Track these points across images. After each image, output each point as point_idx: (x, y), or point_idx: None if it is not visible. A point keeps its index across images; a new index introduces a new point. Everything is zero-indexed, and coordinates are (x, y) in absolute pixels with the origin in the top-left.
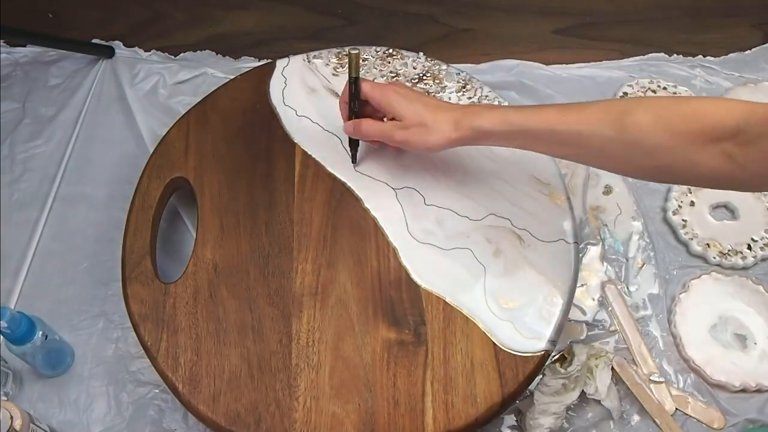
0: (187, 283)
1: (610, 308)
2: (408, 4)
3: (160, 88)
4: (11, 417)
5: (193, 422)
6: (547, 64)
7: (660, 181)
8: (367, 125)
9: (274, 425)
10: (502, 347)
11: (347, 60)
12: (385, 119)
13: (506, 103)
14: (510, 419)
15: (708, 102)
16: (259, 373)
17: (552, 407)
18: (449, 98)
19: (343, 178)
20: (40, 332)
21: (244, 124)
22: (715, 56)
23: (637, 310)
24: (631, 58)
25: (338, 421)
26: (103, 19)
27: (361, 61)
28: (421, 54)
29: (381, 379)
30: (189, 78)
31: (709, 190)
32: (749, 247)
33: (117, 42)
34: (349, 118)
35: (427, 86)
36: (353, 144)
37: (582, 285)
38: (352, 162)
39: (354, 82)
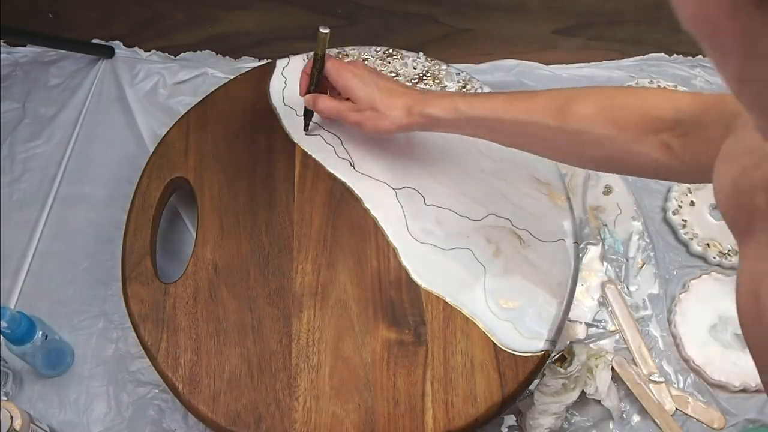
0: (187, 283)
1: (610, 308)
2: (408, 4)
3: (160, 88)
4: (11, 417)
5: (193, 422)
6: (547, 64)
7: (604, 171)
8: (324, 102)
9: (274, 425)
10: (502, 347)
11: (317, 38)
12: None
13: None
14: (510, 419)
15: (651, 93)
16: (259, 373)
17: (552, 407)
18: None
19: (343, 178)
20: (40, 332)
21: (244, 124)
22: None
23: (637, 310)
24: (631, 58)
25: (338, 421)
26: (103, 19)
27: (327, 41)
28: (421, 54)
29: (381, 379)
30: (189, 78)
31: (710, 190)
32: None
33: (117, 42)
34: (308, 91)
35: (428, 86)
36: (307, 114)
37: (582, 285)
38: (304, 130)
39: (320, 59)
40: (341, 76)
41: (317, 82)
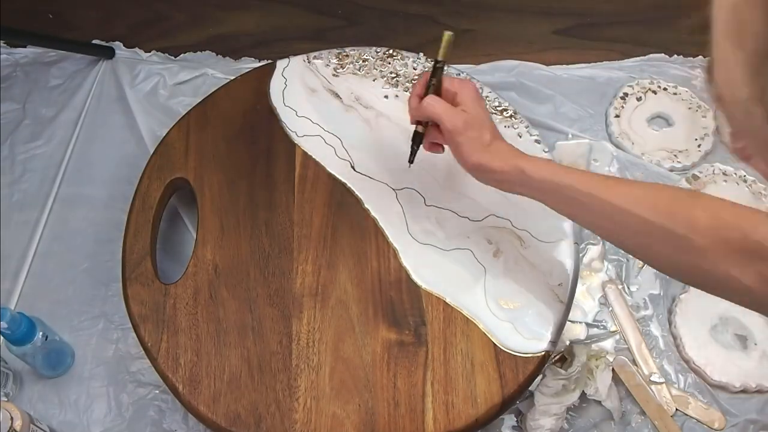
0: (187, 283)
1: (610, 308)
2: (408, 5)
3: (160, 88)
4: (11, 417)
5: (194, 423)
6: (547, 64)
7: (689, 284)
8: (433, 100)
9: (275, 426)
10: (502, 348)
11: (442, 42)
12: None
13: (507, 104)
14: (510, 420)
15: (755, 214)
16: (260, 373)
17: (552, 408)
18: None
19: (343, 179)
20: (41, 333)
21: (244, 125)
22: None
23: (637, 310)
24: (632, 59)
25: (338, 421)
26: (104, 20)
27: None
28: (422, 54)
29: (381, 379)
30: (189, 79)
31: (711, 190)
32: None
33: (117, 43)
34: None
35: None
36: (416, 140)
37: (582, 285)
38: (409, 162)
39: (441, 66)
40: (463, 89)
41: (429, 92)
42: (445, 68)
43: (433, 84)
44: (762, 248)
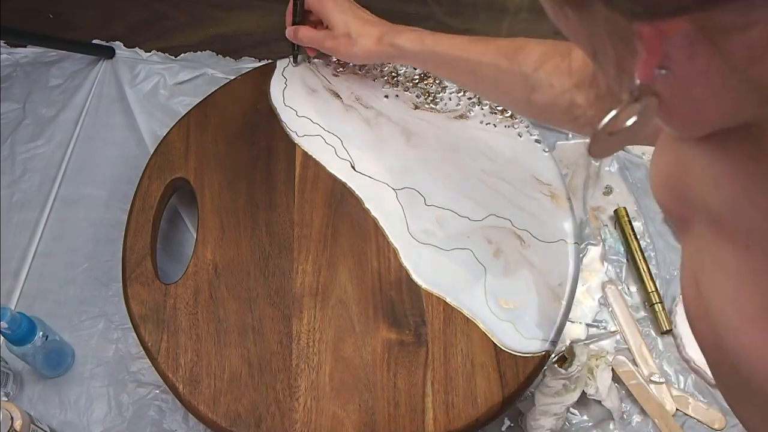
0: (187, 283)
1: (610, 309)
2: (408, 5)
3: (160, 88)
4: (11, 417)
5: (194, 423)
6: None
7: (546, 121)
8: (304, 32)
9: (275, 426)
10: (502, 348)
11: None
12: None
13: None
14: (510, 420)
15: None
16: (260, 373)
17: (553, 408)
18: (449, 98)
19: (343, 179)
20: (41, 333)
21: (244, 125)
22: None
23: (637, 310)
24: None
25: (339, 421)
26: (104, 20)
27: None
28: None
29: (381, 379)
30: (189, 78)
31: None
32: None
33: (117, 42)
34: (293, 24)
35: (428, 86)
36: (294, 46)
37: (582, 285)
38: (292, 62)
39: None
40: (322, 4)
41: (300, 15)
42: None
43: (298, 6)
44: (583, 74)
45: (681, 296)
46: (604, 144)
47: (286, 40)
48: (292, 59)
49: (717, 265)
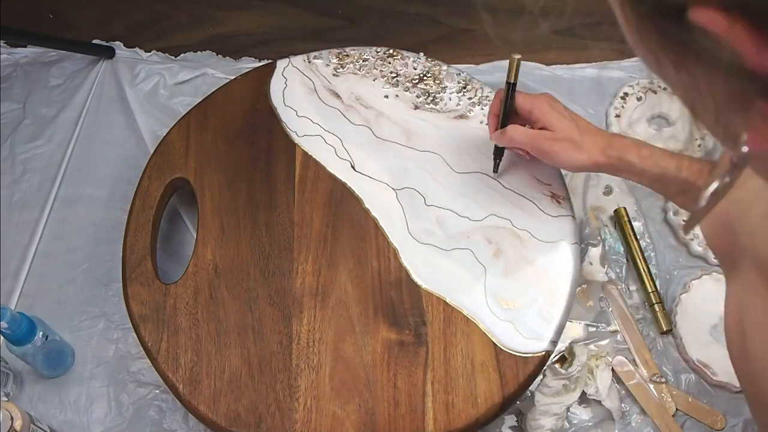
0: (187, 283)
1: (610, 309)
2: (408, 5)
3: (160, 88)
4: (11, 417)
5: (194, 423)
6: (548, 64)
7: None
8: (514, 131)
9: (275, 426)
10: (502, 348)
11: (509, 65)
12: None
13: None
14: (510, 420)
15: None
16: (260, 373)
17: (553, 408)
18: (449, 98)
19: (343, 179)
20: (41, 333)
21: (244, 125)
22: None
23: (637, 310)
24: (632, 59)
25: (339, 421)
26: (104, 20)
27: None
28: (422, 54)
29: (381, 379)
30: (189, 78)
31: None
32: None
33: (117, 42)
34: (496, 128)
35: (428, 86)
36: (498, 153)
37: (582, 285)
38: (494, 171)
39: (512, 88)
40: (536, 106)
41: (509, 118)
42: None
43: (507, 106)
44: None
45: (725, 336)
46: (701, 216)
47: (286, 40)
48: (494, 167)
49: (762, 311)
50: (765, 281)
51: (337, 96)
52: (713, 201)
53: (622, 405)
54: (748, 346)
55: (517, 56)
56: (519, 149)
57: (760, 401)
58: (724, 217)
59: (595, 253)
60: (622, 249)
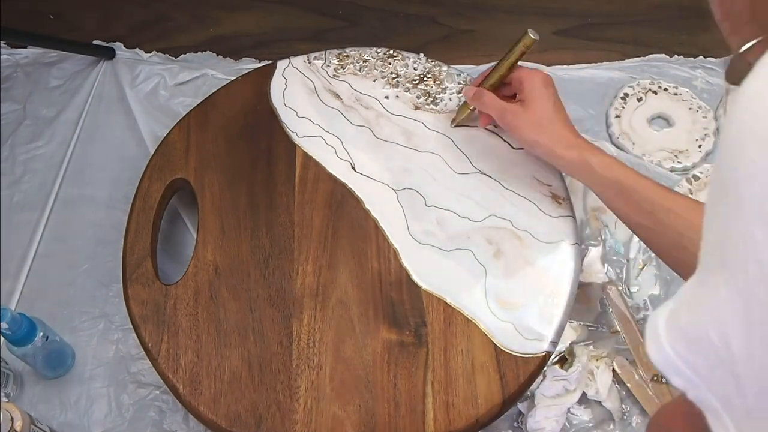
0: (187, 284)
1: (610, 309)
2: (409, 6)
3: (160, 89)
4: (12, 418)
5: (194, 423)
6: (548, 65)
7: None
8: (491, 99)
9: (275, 426)
10: (502, 348)
11: (518, 40)
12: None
13: None
14: (511, 420)
15: None
16: (260, 374)
17: (553, 409)
18: (450, 99)
19: (343, 180)
20: (41, 333)
21: (244, 126)
22: (716, 57)
23: (638, 311)
24: (632, 59)
25: (339, 422)
26: (104, 21)
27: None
28: (422, 55)
29: (381, 380)
30: (190, 79)
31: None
32: None
33: (118, 43)
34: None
35: (428, 87)
36: (464, 109)
37: (583, 286)
38: (451, 124)
39: (512, 64)
40: (528, 79)
41: (498, 82)
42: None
43: (497, 77)
44: None
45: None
46: (741, 71)
47: (286, 40)
48: (453, 120)
49: None
50: None
51: (338, 97)
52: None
53: (623, 406)
54: None
55: (535, 37)
56: (487, 119)
57: None
58: None
59: (595, 253)
60: (622, 249)
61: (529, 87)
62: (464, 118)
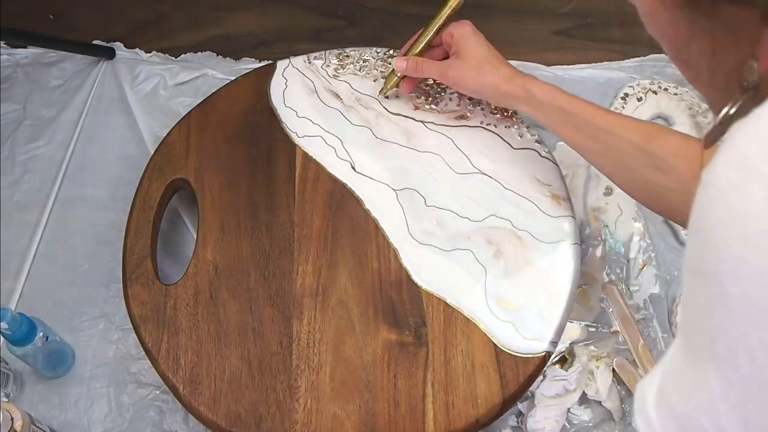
0: (187, 284)
1: (610, 309)
2: (408, 5)
3: (160, 89)
4: (12, 418)
5: (194, 423)
6: (548, 65)
7: (657, 209)
8: (427, 64)
9: (275, 426)
10: (502, 348)
11: (445, 2)
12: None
13: None
14: (511, 420)
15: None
16: (260, 374)
17: (553, 409)
18: (450, 98)
19: (343, 180)
20: (41, 333)
21: (244, 126)
22: None
23: (638, 311)
24: (632, 59)
25: (339, 422)
26: (104, 21)
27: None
28: None
29: (381, 380)
30: (190, 79)
31: None
32: None
33: (118, 43)
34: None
35: (428, 87)
36: (390, 77)
37: (582, 286)
38: (380, 92)
39: (440, 26)
40: (457, 29)
41: (426, 46)
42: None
43: (429, 39)
44: None
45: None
46: (717, 136)
47: (286, 40)
48: (381, 89)
49: None
50: None
51: (338, 97)
52: (726, 122)
53: (623, 406)
54: None
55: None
56: (410, 85)
57: None
58: None
59: (595, 253)
60: (622, 249)
61: (460, 38)
62: (392, 86)
